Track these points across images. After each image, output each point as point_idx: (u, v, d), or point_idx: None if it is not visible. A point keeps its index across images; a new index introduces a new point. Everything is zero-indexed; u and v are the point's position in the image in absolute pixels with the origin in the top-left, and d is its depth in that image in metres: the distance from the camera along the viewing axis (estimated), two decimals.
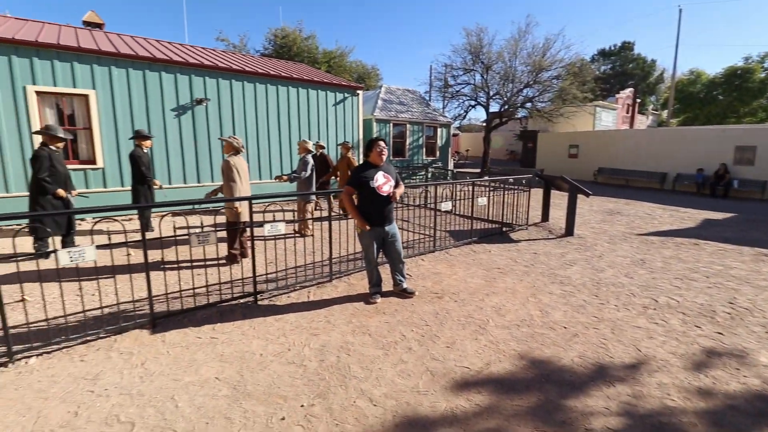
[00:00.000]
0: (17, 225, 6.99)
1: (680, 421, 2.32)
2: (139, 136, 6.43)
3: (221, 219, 7.23)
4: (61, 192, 5.15)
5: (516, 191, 7.21)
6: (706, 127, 15.04)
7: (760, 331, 3.45)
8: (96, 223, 3.77)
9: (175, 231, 3.68)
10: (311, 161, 6.65)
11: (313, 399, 2.49)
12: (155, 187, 6.65)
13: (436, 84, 21.06)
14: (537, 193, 8.79)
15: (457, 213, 7.42)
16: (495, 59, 18.14)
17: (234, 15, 66.84)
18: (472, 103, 19.67)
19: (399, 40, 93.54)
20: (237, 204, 4.74)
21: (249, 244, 5.36)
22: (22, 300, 3.65)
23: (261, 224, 3.94)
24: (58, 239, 5.27)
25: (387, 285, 4.28)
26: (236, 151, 5.10)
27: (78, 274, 3.57)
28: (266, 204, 5.56)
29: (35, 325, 3.24)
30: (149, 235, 3.41)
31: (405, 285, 4.19)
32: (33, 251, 5.10)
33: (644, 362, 2.95)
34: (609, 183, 16.23)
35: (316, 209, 7.34)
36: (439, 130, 17.55)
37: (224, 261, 5.06)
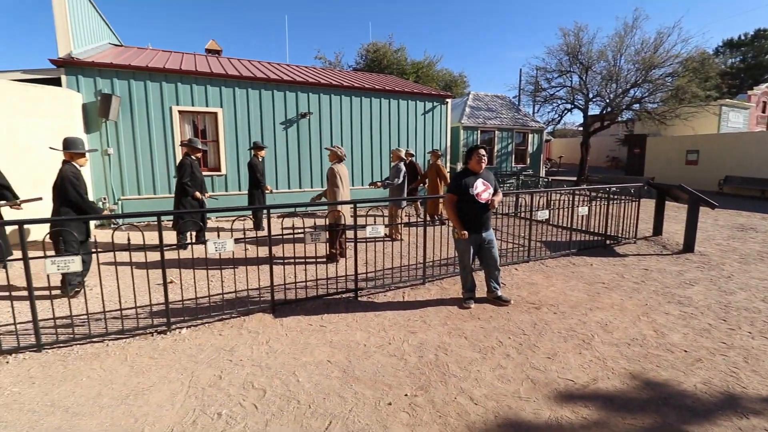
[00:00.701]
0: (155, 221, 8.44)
1: None
2: (256, 147, 7.36)
3: (319, 221, 7.85)
4: (198, 194, 6.13)
5: (622, 201, 6.62)
6: None
7: None
8: (234, 221, 4.44)
9: (293, 230, 4.17)
10: (403, 168, 6.93)
11: (416, 390, 2.65)
12: (267, 191, 7.52)
13: (527, 88, 20.17)
14: (646, 204, 7.96)
15: (552, 223, 7.08)
16: (596, 58, 16.81)
17: (329, 33, 71.88)
18: (568, 106, 18.44)
19: (487, 46, 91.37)
20: (339, 207, 5.18)
21: (347, 245, 5.80)
22: (172, 282, 4.47)
23: (363, 227, 4.26)
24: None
25: (480, 292, 4.30)
26: (339, 159, 5.57)
27: (220, 263, 4.23)
28: (368, 208, 5.95)
29: (186, 302, 3.93)
30: (264, 233, 3.96)
31: (500, 293, 4.16)
32: (176, 243, 6.14)
33: None
34: (739, 194, 13.90)
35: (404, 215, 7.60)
36: (529, 135, 16.79)
37: (326, 259, 5.53)
